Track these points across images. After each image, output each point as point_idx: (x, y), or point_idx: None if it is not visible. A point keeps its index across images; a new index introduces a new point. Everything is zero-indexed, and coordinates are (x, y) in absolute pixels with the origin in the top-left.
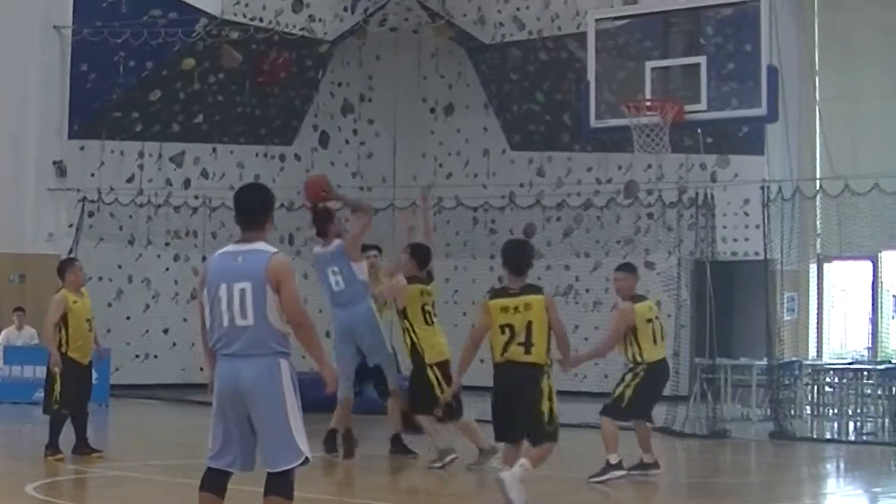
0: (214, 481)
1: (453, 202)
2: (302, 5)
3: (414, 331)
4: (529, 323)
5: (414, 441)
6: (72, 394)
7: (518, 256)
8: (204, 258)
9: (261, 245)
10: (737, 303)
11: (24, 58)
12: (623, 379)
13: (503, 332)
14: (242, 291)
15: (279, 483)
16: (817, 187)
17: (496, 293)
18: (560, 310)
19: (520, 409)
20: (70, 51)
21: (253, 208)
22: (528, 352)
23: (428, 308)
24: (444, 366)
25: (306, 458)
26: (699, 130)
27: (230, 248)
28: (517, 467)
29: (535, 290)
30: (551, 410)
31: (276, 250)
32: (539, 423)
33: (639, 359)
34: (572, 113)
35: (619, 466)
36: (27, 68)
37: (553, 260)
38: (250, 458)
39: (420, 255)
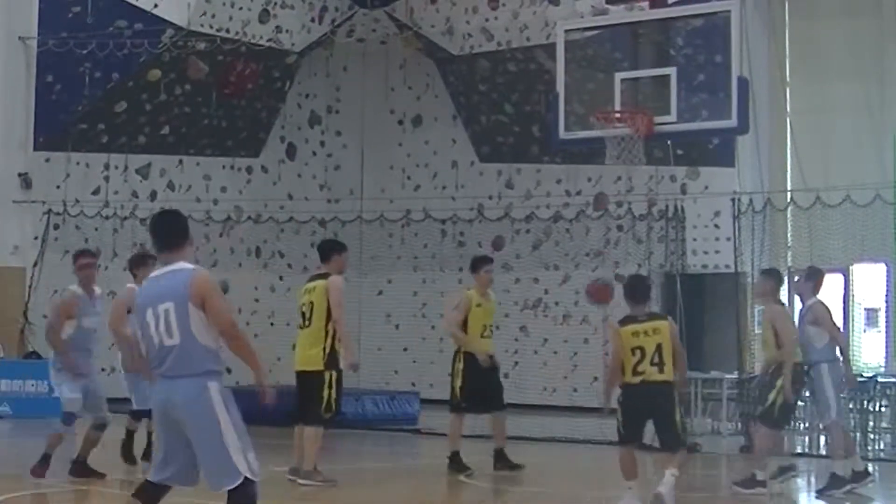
0: (148, 492)
1: (421, 214)
2: (269, 16)
3: None
4: (659, 345)
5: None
6: None
7: (638, 289)
8: None
9: (180, 264)
10: (707, 316)
11: None
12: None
13: (634, 354)
14: (167, 311)
15: (238, 501)
16: (788, 199)
17: (624, 321)
18: (529, 323)
19: (659, 423)
20: (35, 62)
21: (168, 232)
22: (661, 371)
23: (304, 310)
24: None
25: (246, 479)
26: (669, 142)
27: (155, 273)
28: (669, 476)
29: (661, 316)
30: (682, 420)
31: (194, 266)
32: (675, 432)
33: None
34: (541, 124)
35: (764, 484)
36: None
37: (522, 273)
38: (191, 474)
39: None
